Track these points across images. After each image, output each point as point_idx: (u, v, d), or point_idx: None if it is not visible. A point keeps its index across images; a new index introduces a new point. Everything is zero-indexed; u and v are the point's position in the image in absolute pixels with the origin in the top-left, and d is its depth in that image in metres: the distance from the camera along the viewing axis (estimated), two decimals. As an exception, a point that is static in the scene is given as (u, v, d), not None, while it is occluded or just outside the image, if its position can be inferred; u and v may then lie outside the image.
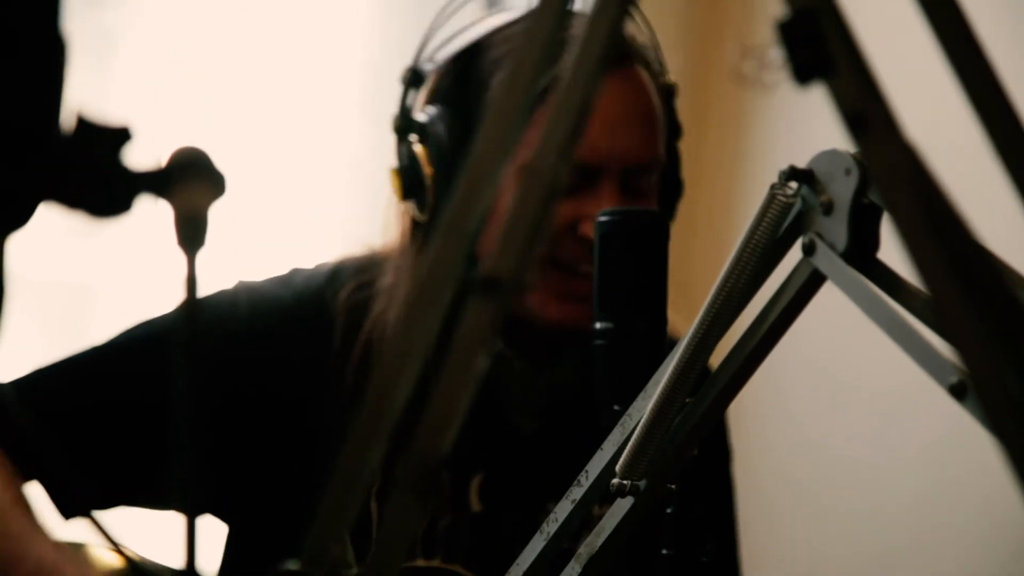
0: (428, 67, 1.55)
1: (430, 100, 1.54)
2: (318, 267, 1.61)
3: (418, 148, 1.52)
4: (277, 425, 1.53)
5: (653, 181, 1.53)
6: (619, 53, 1.51)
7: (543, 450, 1.56)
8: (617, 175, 1.49)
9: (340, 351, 1.53)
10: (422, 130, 1.52)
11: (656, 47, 1.56)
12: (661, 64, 1.55)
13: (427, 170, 1.51)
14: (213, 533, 1.59)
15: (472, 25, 1.55)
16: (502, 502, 1.55)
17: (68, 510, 1.47)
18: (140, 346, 1.54)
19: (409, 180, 1.52)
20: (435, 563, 1.52)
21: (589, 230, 1.42)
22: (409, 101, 1.55)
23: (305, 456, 1.52)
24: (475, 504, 1.55)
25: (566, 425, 1.56)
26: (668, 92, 1.55)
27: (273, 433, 1.53)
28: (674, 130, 1.55)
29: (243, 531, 1.57)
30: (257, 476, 1.54)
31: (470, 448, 1.53)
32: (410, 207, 1.53)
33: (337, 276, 1.58)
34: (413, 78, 1.55)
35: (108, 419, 1.51)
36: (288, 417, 1.53)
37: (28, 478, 1.46)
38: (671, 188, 1.56)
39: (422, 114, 1.53)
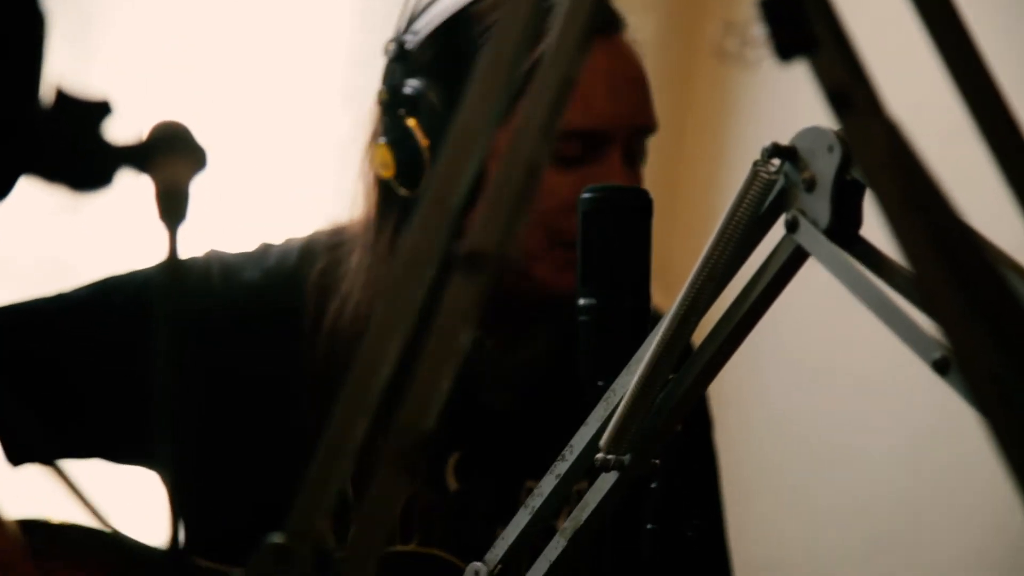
0: (411, 39, 1.52)
1: (416, 72, 1.52)
2: (288, 243, 1.59)
3: (410, 121, 1.50)
4: (241, 403, 1.52)
5: (646, 147, 1.54)
6: (609, 20, 1.52)
7: (519, 427, 1.56)
8: (622, 141, 1.49)
9: (310, 335, 1.52)
10: (412, 102, 1.50)
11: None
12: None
13: (423, 142, 1.49)
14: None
15: None
16: (479, 480, 1.55)
17: (16, 455, 1.45)
18: (109, 299, 1.52)
19: (403, 154, 1.50)
20: (411, 547, 1.52)
21: None
22: (393, 74, 1.53)
23: (269, 435, 1.51)
24: (452, 483, 1.54)
25: (541, 402, 1.56)
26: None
27: (236, 411, 1.52)
28: None
29: (204, 506, 1.56)
30: (221, 450, 1.52)
31: (445, 427, 1.52)
32: (397, 183, 1.51)
33: (307, 256, 1.56)
34: (398, 51, 1.53)
35: (69, 367, 1.50)
36: (252, 396, 1.52)
37: None
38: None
39: (409, 86, 1.51)
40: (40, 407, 1.48)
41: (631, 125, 1.50)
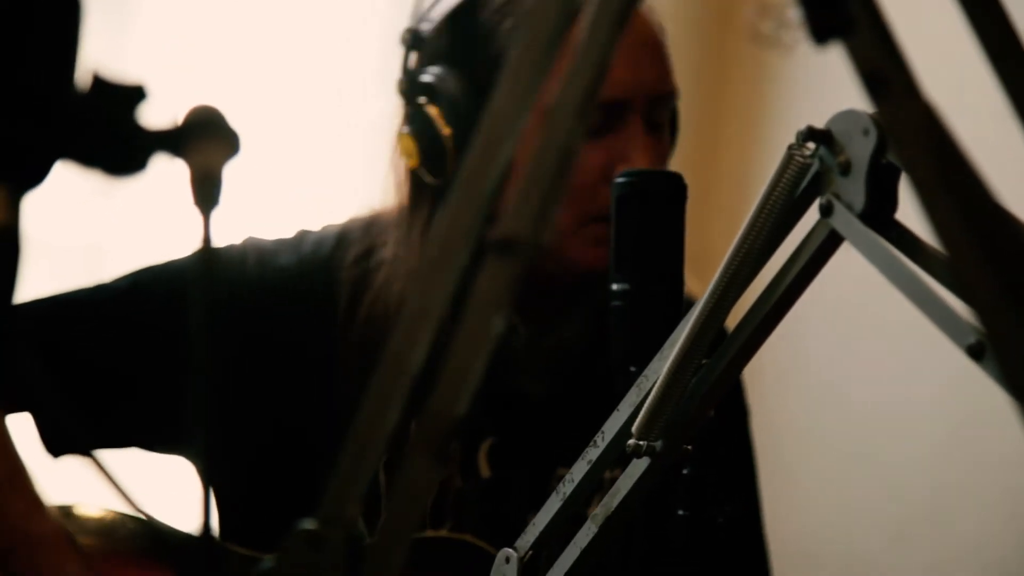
0: (426, 27, 1.51)
1: (433, 59, 1.50)
2: (324, 231, 1.59)
3: (430, 109, 1.49)
4: (275, 388, 1.52)
5: (668, 115, 1.52)
6: None
7: (551, 414, 1.56)
8: (643, 108, 1.48)
9: (344, 323, 1.52)
10: (431, 91, 1.49)
11: None
12: None
13: (444, 131, 1.48)
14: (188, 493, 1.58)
15: None
16: (511, 467, 1.54)
17: (57, 447, 1.46)
18: (146, 289, 1.52)
19: (425, 143, 1.49)
20: (443, 533, 1.52)
21: None
22: (410, 62, 1.52)
23: (302, 422, 1.51)
24: (484, 469, 1.54)
25: (574, 389, 1.56)
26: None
27: (270, 396, 1.52)
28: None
29: (235, 496, 1.56)
30: (253, 438, 1.53)
31: (478, 414, 1.53)
32: (423, 171, 1.51)
33: (342, 243, 1.56)
34: (413, 39, 1.51)
35: (108, 358, 1.50)
36: (286, 382, 1.52)
37: (15, 410, 1.42)
38: (673, 121, 1.55)
39: (427, 74, 1.50)
40: (79, 398, 1.49)
41: (651, 92, 1.48)
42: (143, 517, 1.39)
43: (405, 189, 1.53)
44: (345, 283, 1.53)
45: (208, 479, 0.70)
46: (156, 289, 1.52)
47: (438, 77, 1.49)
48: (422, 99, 1.50)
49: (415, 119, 1.50)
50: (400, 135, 1.51)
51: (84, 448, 1.44)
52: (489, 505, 1.53)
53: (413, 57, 1.52)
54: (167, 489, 1.75)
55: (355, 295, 1.52)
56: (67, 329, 1.50)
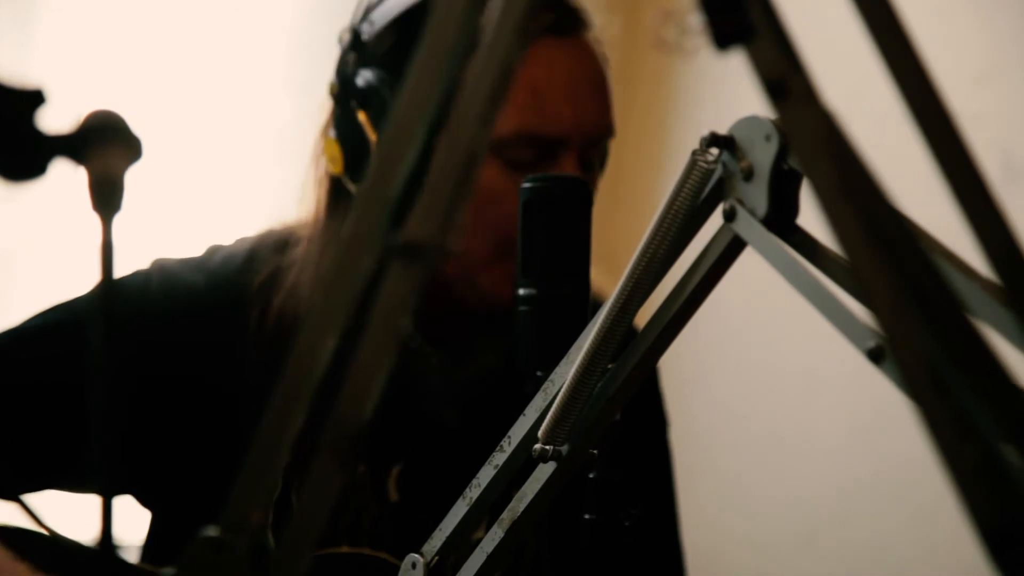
0: (367, 29, 1.47)
1: (370, 63, 1.47)
2: (235, 245, 1.57)
3: (360, 114, 1.45)
4: (192, 409, 1.50)
5: (602, 152, 1.50)
6: (570, 19, 1.47)
7: (463, 442, 1.53)
8: (578, 147, 1.45)
9: (255, 332, 1.50)
10: (364, 95, 1.46)
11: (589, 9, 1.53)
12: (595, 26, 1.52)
13: (372, 136, 1.45)
14: (131, 513, 1.57)
15: None
16: (420, 492, 1.53)
17: None
18: (55, 328, 1.49)
19: (351, 148, 1.46)
20: (362, 549, 1.51)
21: None
22: (346, 65, 1.48)
23: (221, 440, 1.50)
24: (392, 494, 1.53)
25: (486, 417, 1.54)
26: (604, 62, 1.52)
27: (189, 417, 1.50)
28: None
29: (165, 515, 1.55)
30: (174, 460, 1.51)
31: (389, 439, 1.52)
32: (346, 177, 1.47)
33: (253, 258, 1.53)
34: (352, 41, 1.48)
35: (24, 403, 1.47)
36: (203, 401, 1.50)
37: None
38: (604, 152, 1.54)
39: (362, 78, 1.46)
40: (7, 446, 1.46)
41: (589, 131, 1.45)
42: (46, 531, 1.38)
43: (323, 193, 1.51)
44: (255, 299, 1.50)
45: (108, 498, 0.69)
46: (64, 327, 1.49)
47: (372, 82, 1.46)
48: (353, 102, 1.46)
49: (343, 123, 1.47)
50: (326, 139, 1.49)
51: (14, 494, 1.44)
52: (400, 528, 1.52)
53: (350, 58, 1.48)
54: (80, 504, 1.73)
55: (265, 312, 1.50)
56: None
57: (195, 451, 1.50)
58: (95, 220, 0.70)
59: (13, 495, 1.40)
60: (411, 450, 1.53)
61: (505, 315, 1.45)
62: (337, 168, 1.47)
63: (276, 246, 1.54)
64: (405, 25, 1.46)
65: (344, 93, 1.47)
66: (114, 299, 0.69)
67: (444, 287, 1.48)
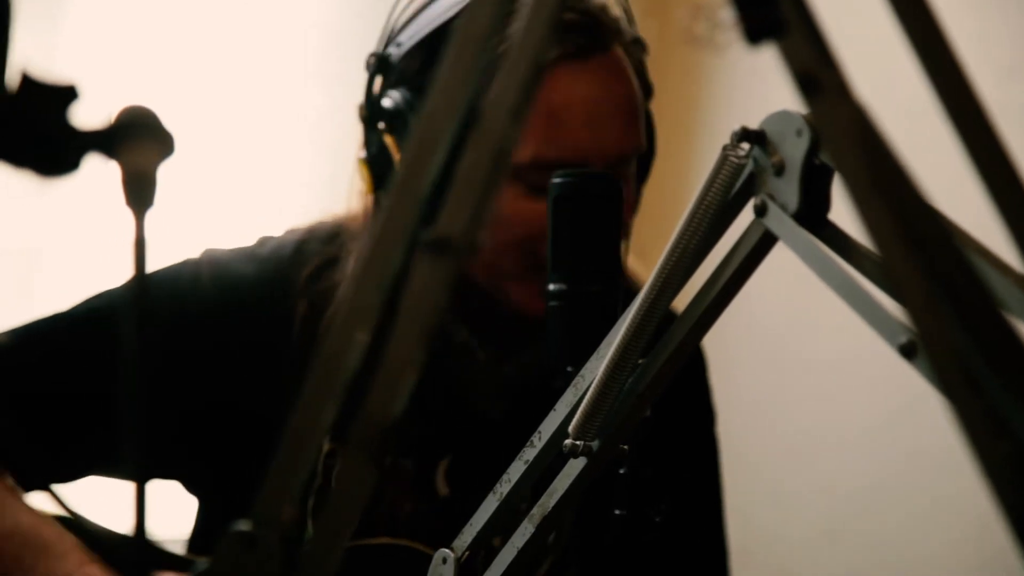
0: (394, 52, 1.48)
1: (397, 86, 1.48)
2: (285, 236, 1.58)
3: (387, 137, 1.46)
4: (239, 397, 1.52)
5: (633, 167, 1.49)
6: (596, 36, 1.45)
7: (510, 436, 1.54)
8: (602, 168, 1.43)
9: (301, 329, 1.51)
10: (390, 117, 1.46)
11: (624, 5, 1.52)
12: (631, 19, 1.50)
13: (398, 158, 1.45)
14: (174, 499, 1.59)
15: (438, 6, 1.48)
16: (469, 486, 1.54)
17: (29, 483, 1.46)
18: (96, 316, 1.52)
19: (379, 170, 1.47)
20: (403, 540, 1.51)
21: None
22: (375, 87, 1.49)
23: (265, 430, 1.50)
24: (442, 488, 1.54)
25: (533, 411, 1.55)
26: (639, 46, 1.50)
27: (235, 405, 1.52)
28: (647, 92, 1.51)
29: (213, 505, 1.57)
30: (220, 447, 1.53)
31: (437, 433, 1.52)
32: (379, 196, 1.48)
33: (302, 250, 1.55)
34: (379, 64, 1.49)
35: (64, 391, 1.49)
36: (250, 394, 1.51)
37: None
38: (646, 159, 1.53)
39: (389, 100, 1.47)
40: (39, 433, 1.48)
41: (612, 155, 1.44)
42: (79, 519, 1.39)
43: (368, 206, 1.52)
44: (302, 290, 1.52)
45: (142, 493, 0.69)
46: (108, 314, 1.51)
47: (398, 104, 1.46)
48: (381, 125, 1.47)
49: (372, 145, 1.48)
50: (358, 160, 1.50)
51: (52, 483, 1.46)
52: (445, 522, 1.52)
53: (377, 81, 1.49)
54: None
55: (313, 305, 1.51)
56: (25, 365, 1.50)
57: (240, 440, 1.51)
58: (127, 216, 0.70)
59: (48, 482, 1.41)
60: (458, 444, 1.54)
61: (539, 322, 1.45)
62: (368, 188, 1.48)
63: (325, 239, 1.55)
64: (432, 47, 1.46)
65: (372, 116, 1.48)
66: (147, 294, 0.70)
67: (486, 289, 1.49)
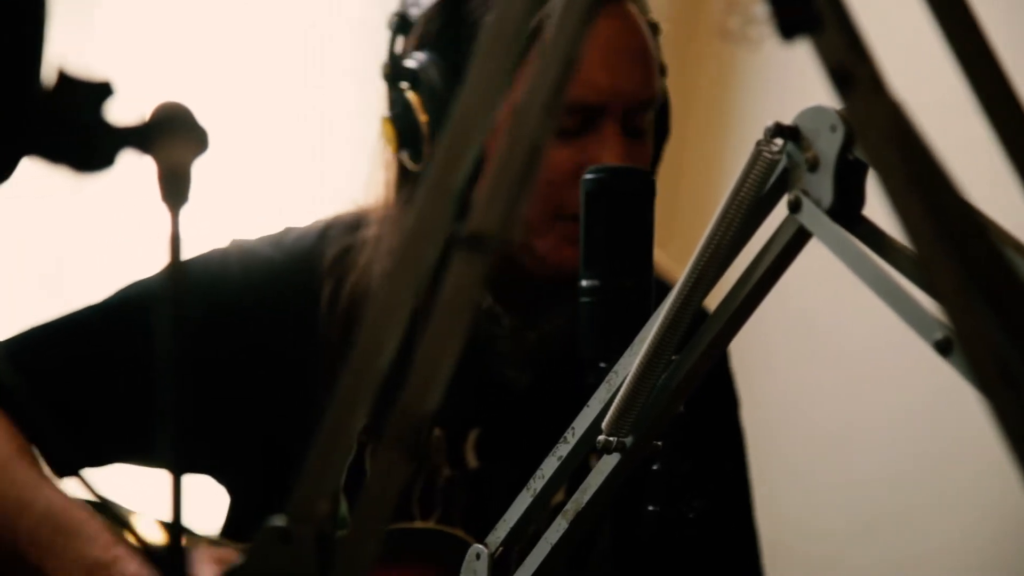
0: (414, 12, 1.52)
1: (419, 45, 1.51)
2: (311, 226, 1.61)
3: (411, 95, 1.50)
4: (268, 386, 1.53)
5: (650, 119, 1.52)
6: None
7: (537, 404, 1.56)
8: (619, 114, 1.47)
9: (328, 309, 1.53)
10: (413, 76, 1.50)
11: None
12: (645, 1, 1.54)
13: (422, 117, 1.49)
14: (205, 492, 1.60)
15: None
16: (498, 457, 1.55)
17: (61, 468, 1.47)
18: (130, 305, 1.53)
19: (403, 128, 1.50)
20: (431, 523, 1.52)
21: None
22: (397, 47, 1.52)
23: (295, 416, 1.52)
24: (471, 460, 1.54)
25: (559, 379, 1.56)
26: (654, 29, 1.54)
27: (264, 394, 1.53)
28: (661, 69, 1.54)
29: (242, 492, 1.58)
30: (250, 436, 1.54)
31: (464, 404, 1.53)
32: (404, 157, 1.51)
33: (326, 235, 1.57)
34: (400, 24, 1.52)
35: (98, 379, 1.51)
36: (278, 378, 1.53)
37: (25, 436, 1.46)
38: (662, 127, 1.55)
39: (412, 60, 1.51)
40: (74, 420, 1.49)
41: (629, 99, 1.47)
42: (115, 514, 1.40)
43: (392, 176, 1.54)
44: (327, 273, 1.54)
45: (178, 482, 0.70)
46: (141, 305, 1.52)
47: (421, 63, 1.50)
48: (404, 84, 1.50)
49: (395, 104, 1.51)
50: (382, 119, 1.52)
51: (83, 468, 1.47)
52: (476, 495, 1.53)
53: (399, 41, 1.52)
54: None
55: (338, 287, 1.53)
56: (61, 353, 1.52)
57: (267, 426, 1.52)
58: (162, 211, 0.71)
59: (80, 467, 1.42)
60: (487, 414, 1.55)
61: (570, 278, 1.47)
62: (393, 147, 1.51)
63: (348, 226, 1.57)
64: (450, 5, 1.50)
65: (394, 75, 1.51)
66: (183, 288, 0.70)
67: (508, 254, 1.51)
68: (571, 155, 1.45)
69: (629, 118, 1.48)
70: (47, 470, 1.44)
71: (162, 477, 1.62)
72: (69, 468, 1.48)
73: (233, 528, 1.59)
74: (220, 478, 1.58)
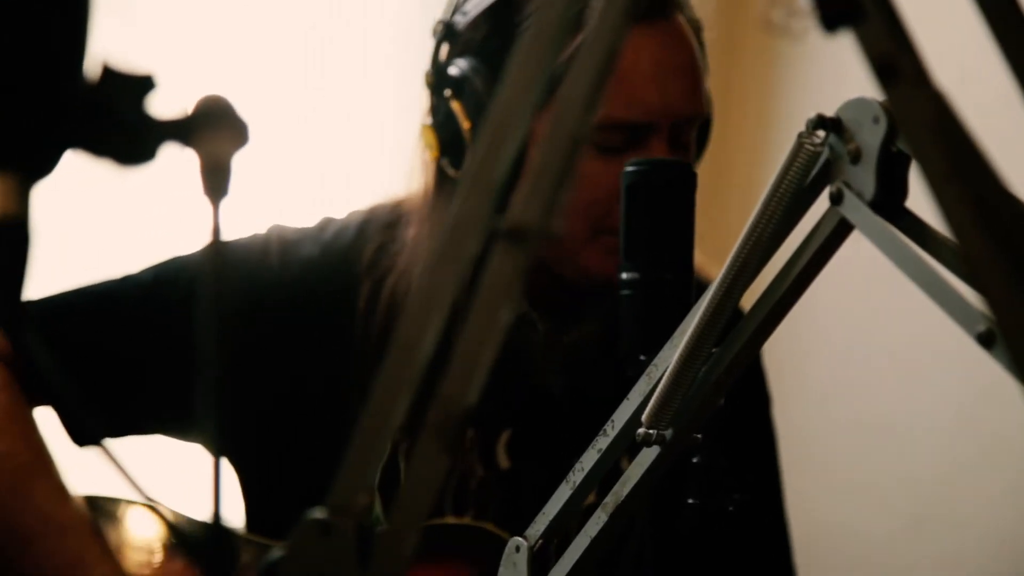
0: (460, 20, 1.52)
1: (463, 53, 1.51)
2: (348, 218, 1.61)
3: (454, 104, 1.50)
4: (295, 382, 1.54)
5: (695, 133, 1.52)
6: (659, 4, 1.49)
7: (570, 408, 1.56)
8: (667, 130, 1.47)
9: (365, 309, 1.53)
10: (457, 84, 1.50)
11: None
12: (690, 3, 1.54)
13: (465, 124, 1.49)
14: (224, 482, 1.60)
15: None
16: (529, 458, 1.55)
17: (80, 438, 1.47)
18: (166, 279, 1.54)
19: (445, 136, 1.50)
20: (466, 520, 1.53)
21: None
22: (441, 55, 1.53)
23: (321, 415, 1.52)
24: (503, 461, 1.55)
25: (592, 383, 1.56)
26: (698, 32, 1.53)
27: (290, 389, 1.53)
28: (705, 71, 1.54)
29: (260, 487, 1.58)
30: (273, 429, 1.54)
31: (497, 406, 1.54)
32: (444, 163, 1.52)
33: (364, 232, 1.58)
34: (445, 32, 1.52)
35: (124, 349, 1.52)
36: (307, 374, 1.54)
37: (40, 403, 1.46)
38: (704, 131, 1.55)
39: (455, 68, 1.51)
40: (101, 388, 1.50)
41: (676, 116, 1.47)
42: (155, 507, 1.40)
43: (430, 176, 1.55)
44: (366, 271, 1.54)
45: (218, 468, 0.70)
46: (177, 280, 1.53)
47: (464, 71, 1.50)
48: (447, 92, 1.50)
49: (438, 111, 1.52)
50: (423, 126, 1.52)
51: (100, 439, 1.47)
52: (507, 495, 1.54)
53: (444, 49, 1.53)
54: (189, 479, 1.76)
55: (375, 283, 1.54)
56: (90, 321, 1.52)
57: (291, 422, 1.53)
58: (203, 204, 0.71)
59: (101, 436, 1.43)
60: (519, 416, 1.55)
61: (607, 285, 1.47)
62: (434, 154, 1.52)
63: (385, 222, 1.58)
64: (497, 15, 1.50)
65: (438, 82, 1.52)
66: (223, 282, 0.70)
67: (546, 263, 1.51)
68: (615, 171, 1.44)
69: (675, 133, 1.48)
70: (46, 451, 1.42)
71: (174, 466, 1.64)
72: (89, 438, 1.47)
73: (253, 518, 1.59)
74: (242, 466, 1.58)
